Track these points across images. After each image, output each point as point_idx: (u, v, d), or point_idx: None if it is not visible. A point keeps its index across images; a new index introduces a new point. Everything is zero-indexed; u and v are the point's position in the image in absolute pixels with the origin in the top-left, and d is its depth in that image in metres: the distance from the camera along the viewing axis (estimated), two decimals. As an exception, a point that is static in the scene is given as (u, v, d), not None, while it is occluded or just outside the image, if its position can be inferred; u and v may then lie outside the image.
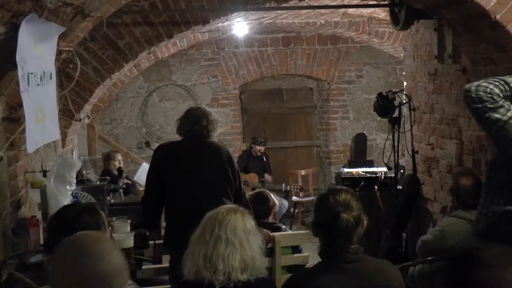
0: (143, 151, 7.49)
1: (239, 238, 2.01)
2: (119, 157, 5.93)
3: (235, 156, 3.90)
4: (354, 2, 4.90)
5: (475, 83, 2.36)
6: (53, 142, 3.80)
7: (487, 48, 3.24)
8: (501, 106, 2.29)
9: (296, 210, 7.45)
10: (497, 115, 2.27)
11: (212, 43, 7.60)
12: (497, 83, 2.34)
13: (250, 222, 2.08)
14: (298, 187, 7.16)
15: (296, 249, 3.53)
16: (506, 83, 2.34)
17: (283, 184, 7.04)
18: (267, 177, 7.07)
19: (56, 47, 2.64)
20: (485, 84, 2.34)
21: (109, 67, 4.40)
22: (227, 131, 7.75)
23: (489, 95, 2.30)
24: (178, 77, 7.65)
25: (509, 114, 2.27)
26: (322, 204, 2.05)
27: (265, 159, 7.15)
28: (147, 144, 7.34)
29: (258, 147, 7.16)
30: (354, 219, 1.99)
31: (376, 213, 4.40)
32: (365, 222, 2.04)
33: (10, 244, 2.77)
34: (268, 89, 8.21)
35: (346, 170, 5.61)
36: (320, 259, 2.05)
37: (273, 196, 4.06)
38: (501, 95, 2.31)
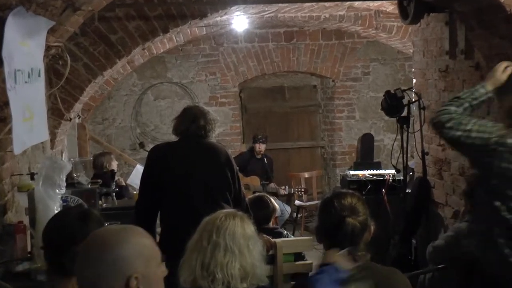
0: (137, 153, 7.49)
1: (239, 244, 2.00)
2: (114, 161, 5.94)
3: (234, 157, 3.89)
4: (360, -5, 4.90)
5: (436, 110, 2.61)
6: (42, 143, 3.79)
7: (502, 43, 3.23)
8: (459, 123, 2.48)
9: (299, 215, 7.44)
10: (457, 133, 2.47)
11: (210, 38, 7.60)
12: (451, 102, 2.58)
13: (250, 228, 2.07)
14: (302, 189, 7.14)
15: (299, 256, 3.52)
16: (458, 97, 2.58)
17: (286, 187, 7.01)
18: (273, 185, 7.02)
19: (45, 43, 2.64)
20: (442, 108, 2.58)
21: (101, 63, 4.40)
22: (226, 131, 7.75)
23: (446, 116, 2.50)
24: (174, 74, 7.65)
25: (469, 126, 2.45)
26: (326, 209, 2.05)
27: (266, 161, 7.13)
28: (141, 145, 7.35)
29: (258, 145, 7.13)
30: (360, 224, 1.99)
31: (384, 218, 4.40)
32: (372, 227, 2.04)
33: (-4, 251, 2.77)
34: (269, 87, 8.20)
35: (352, 172, 5.60)
36: (324, 267, 2.04)
37: (273, 201, 4.05)
38: (459, 111, 2.52)
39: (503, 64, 2.67)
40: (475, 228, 2.56)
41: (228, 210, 2.19)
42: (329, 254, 1.97)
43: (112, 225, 1.57)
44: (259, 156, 7.17)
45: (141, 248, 1.44)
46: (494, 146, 2.40)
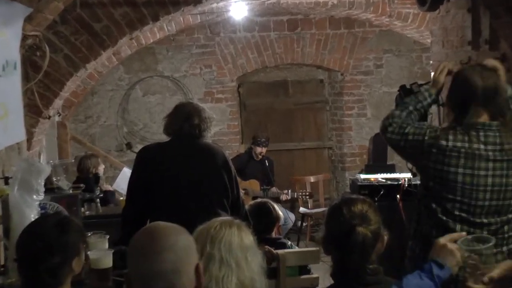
0: (124, 154, 7.49)
1: (236, 256, 2.00)
2: (100, 164, 5.94)
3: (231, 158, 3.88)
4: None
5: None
6: (17, 143, 3.80)
7: (530, 32, 3.23)
8: (399, 127, 2.73)
9: (304, 224, 7.44)
10: (397, 137, 2.73)
11: (205, 27, 7.60)
12: (397, 106, 2.87)
13: (248, 238, 2.07)
14: (307, 193, 7.12)
15: (304, 270, 3.52)
16: (404, 102, 2.88)
17: (289, 191, 6.99)
18: (274, 190, 7.00)
19: (21, 32, 2.64)
20: (388, 114, 2.86)
21: (84, 55, 4.40)
22: (222, 130, 7.75)
23: (389, 120, 2.79)
24: (165, 67, 7.66)
25: (406, 130, 2.70)
26: (334, 216, 2.05)
27: (267, 164, 7.12)
28: (129, 146, 7.33)
29: (258, 149, 7.11)
30: (372, 233, 1.99)
31: (399, 227, 4.38)
32: (385, 237, 2.05)
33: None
34: (271, 81, 8.21)
35: (362, 176, 5.59)
36: (332, 281, 2.05)
37: (276, 208, 4.05)
38: (402, 115, 2.79)
39: (442, 65, 2.91)
40: (420, 230, 2.74)
41: (224, 218, 2.18)
42: None
43: (156, 222, 1.76)
44: (258, 158, 7.15)
45: (191, 240, 1.69)
46: (427, 148, 2.61)
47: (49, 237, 2.00)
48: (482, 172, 2.55)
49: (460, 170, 2.55)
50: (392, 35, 7.75)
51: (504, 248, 2.61)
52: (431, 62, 5.27)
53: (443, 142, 2.58)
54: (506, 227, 2.62)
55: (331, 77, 8.25)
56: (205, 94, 7.74)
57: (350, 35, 7.88)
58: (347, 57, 7.93)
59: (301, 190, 7.19)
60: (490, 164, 2.55)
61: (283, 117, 8.21)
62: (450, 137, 2.59)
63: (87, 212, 4.56)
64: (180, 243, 1.61)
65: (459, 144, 2.57)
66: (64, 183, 3.64)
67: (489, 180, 2.55)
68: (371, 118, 8.04)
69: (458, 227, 2.56)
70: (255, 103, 8.18)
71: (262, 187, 6.92)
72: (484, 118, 2.60)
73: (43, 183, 2.98)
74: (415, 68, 7.98)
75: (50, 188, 3.54)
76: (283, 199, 6.93)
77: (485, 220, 2.58)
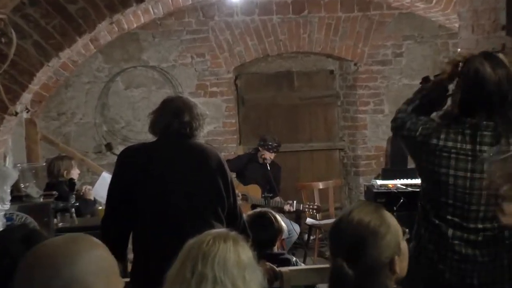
0: (103, 157, 7.50)
1: (231, 276, 1.99)
2: (76, 168, 5.94)
3: (227, 160, 3.88)
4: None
5: None
6: (-20, 144, 3.79)
7: None
8: (403, 122, 2.88)
9: (311, 237, 7.43)
10: (403, 132, 2.86)
11: (198, 10, 7.61)
12: (405, 101, 3.05)
13: (246, 254, 2.06)
14: (315, 206, 7.12)
15: (311, 291, 3.53)
16: (412, 96, 3.05)
17: (294, 202, 6.99)
18: (278, 200, 6.98)
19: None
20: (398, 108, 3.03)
21: (56, 41, 4.40)
22: (217, 129, 7.75)
23: (396, 116, 2.97)
24: (151, 56, 7.66)
25: (407, 125, 2.84)
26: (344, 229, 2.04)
27: (269, 168, 7.10)
28: (109, 147, 7.35)
29: (268, 154, 7.08)
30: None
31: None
32: (397, 257, 2.03)
33: None
34: (273, 72, 8.22)
35: (379, 182, 5.61)
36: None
37: (279, 219, 4.06)
38: (408, 109, 2.94)
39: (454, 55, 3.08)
40: (417, 232, 2.86)
41: (219, 230, 2.17)
42: None
43: (57, 237, 1.54)
44: (261, 161, 7.14)
45: (99, 262, 1.42)
46: (419, 146, 2.77)
47: (14, 253, 1.99)
48: (477, 175, 2.62)
49: (451, 171, 2.64)
50: (414, 19, 7.75)
51: (505, 262, 2.70)
52: (458, 50, 5.26)
53: (434, 141, 2.69)
54: (506, 232, 2.69)
55: (343, 67, 8.25)
56: (197, 87, 7.74)
57: (364, 19, 7.88)
58: (362, 45, 7.93)
59: (308, 203, 7.18)
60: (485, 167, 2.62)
61: (287, 114, 8.22)
62: (442, 136, 2.69)
63: (60, 224, 4.57)
64: (60, 282, 1.36)
65: (450, 143, 2.66)
66: (34, 190, 3.65)
67: (485, 183, 2.62)
68: (389, 115, 8.01)
69: (450, 232, 2.68)
70: (255, 97, 8.19)
71: (263, 195, 6.91)
72: (481, 117, 2.68)
73: (9, 190, 2.98)
74: (440, 57, 7.98)
75: (17, 196, 3.55)
76: (286, 210, 6.93)
77: (480, 226, 2.66)
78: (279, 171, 7.28)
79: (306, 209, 7.09)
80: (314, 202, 7.31)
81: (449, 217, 2.68)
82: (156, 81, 7.71)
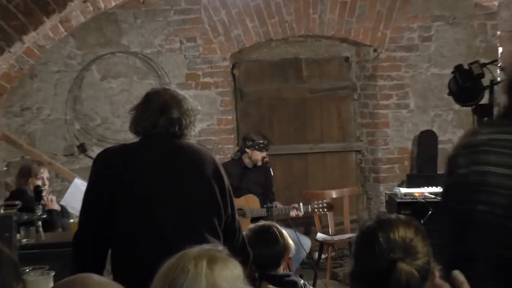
0: (75, 160, 7.49)
1: None
2: (44, 173, 5.93)
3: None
4: None
5: None
6: None
7: None
8: None
9: (323, 255, 7.42)
10: None
11: (188, -14, 7.62)
12: None
13: (238, 278, 2.02)
14: (324, 204, 7.07)
15: (323, 319, 3.54)
16: None
17: (301, 204, 6.94)
18: (280, 206, 6.97)
19: None
20: None
21: (20, 23, 4.41)
22: (211, 127, 7.76)
23: None
24: (132, 40, 7.66)
25: None
26: (367, 246, 2.06)
27: (265, 172, 7.10)
28: (82, 148, 7.34)
29: (259, 154, 7.09)
30: (420, 271, 2.01)
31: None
32: (436, 273, 2.03)
33: None
34: (277, 60, 8.22)
35: (404, 190, 5.60)
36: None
37: (285, 233, 4.06)
38: None
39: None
40: None
41: (204, 248, 2.12)
42: None
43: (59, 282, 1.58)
44: (251, 165, 7.12)
45: None
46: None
47: None
48: None
49: None
50: (445, -4, 7.78)
51: None
52: (498, 32, 5.25)
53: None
54: None
55: (361, 54, 8.26)
56: (187, 77, 7.75)
57: (386, -3, 7.90)
58: (383, 27, 7.93)
59: (316, 201, 7.15)
60: None
61: (294, 110, 8.22)
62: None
63: (24, 240, 4.55)
64: None
65: None
66: (-7, 200, 3.65)
67: None
68: (415, 111, 8.04)
69: None
70: (255, 90, 8.19)
71: (265, 205, 6.90)
72: None
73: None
74: (476, 41, 7.99)
75: (-27, 206, 3.55)
76: (293, 215, 6.92)
77: None
78: (270, 171, 7.20)
79: (316, 209, 7.09)
80: (324, 199, 7.25)
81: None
82: (138, 70, 7.71)
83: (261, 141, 7.08)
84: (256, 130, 7.42)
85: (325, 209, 7.12)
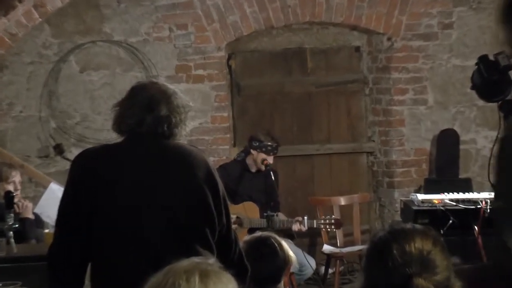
0: (51, 162, 7.50)
1: None
2: (16, 177, 5.94)
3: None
4: None
5: None
6: None
7: None
8: None
9: (330, 270, 7.43)
10: None
11: (178, -34, 7.63)
12: None
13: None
14: (332, 219, 7.09)
15: None
16: None
17: (305, 218, 6.98)
18: (282, 217, 6.97)
19: None
20: None
21: (-11, 9, 4.40)
22: (204, 125, 7.77)
23: None
24: (115, 27, 7.67)
25: None
26: (379, 260, 2.07)
27: (273, 177, 7.11)
28: (59, 149, 7.32)
29: (263, 156, 7.08)
30: (439, 287, 2.01)
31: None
32: (457, 289, 2.05)
33: None
34: (279, 50, 8.25)
35: (421, 197, 5.60)
36: None
37: (285, 246, 4.05)
38: None
39: None
40: None
41: (194, 261, 2.13)
42: None
43: None
44: (254, 169, 7.13)
45: None
46: None
47: None
48: None
49: None
50: (466, -21, 7.80)
51: None
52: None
53: None
54: None
55: (372, 43, 8.28)
56: (178, 69, 7.76)
57: (401, -21, 7.91)
58: (398, 13, 7.95)
59: (323, 217, 7.17)
60: None
61: (298, 106, 8.25)
62: None
63: (-6, 253, 4.56)
64: None
65: None
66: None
67: None
68: (434, 107, 8.05)
69: None
70: (254, 83, 8.21)
71: (265, 214, 6.90)
72: None
73: None
74: (501, 29, 7.98)
75: None
76: (295, 229, 6.92)
77: None
78: (277, 177, 7.21)
79: (322, 226, 7.08)
80: (332, 215, 7.27)
81: None
82: (122, 62, 7.72)
83: (269, 143, 7.07)
84: (265, 130, 7.41)
85: (332, 227, 7.11)
